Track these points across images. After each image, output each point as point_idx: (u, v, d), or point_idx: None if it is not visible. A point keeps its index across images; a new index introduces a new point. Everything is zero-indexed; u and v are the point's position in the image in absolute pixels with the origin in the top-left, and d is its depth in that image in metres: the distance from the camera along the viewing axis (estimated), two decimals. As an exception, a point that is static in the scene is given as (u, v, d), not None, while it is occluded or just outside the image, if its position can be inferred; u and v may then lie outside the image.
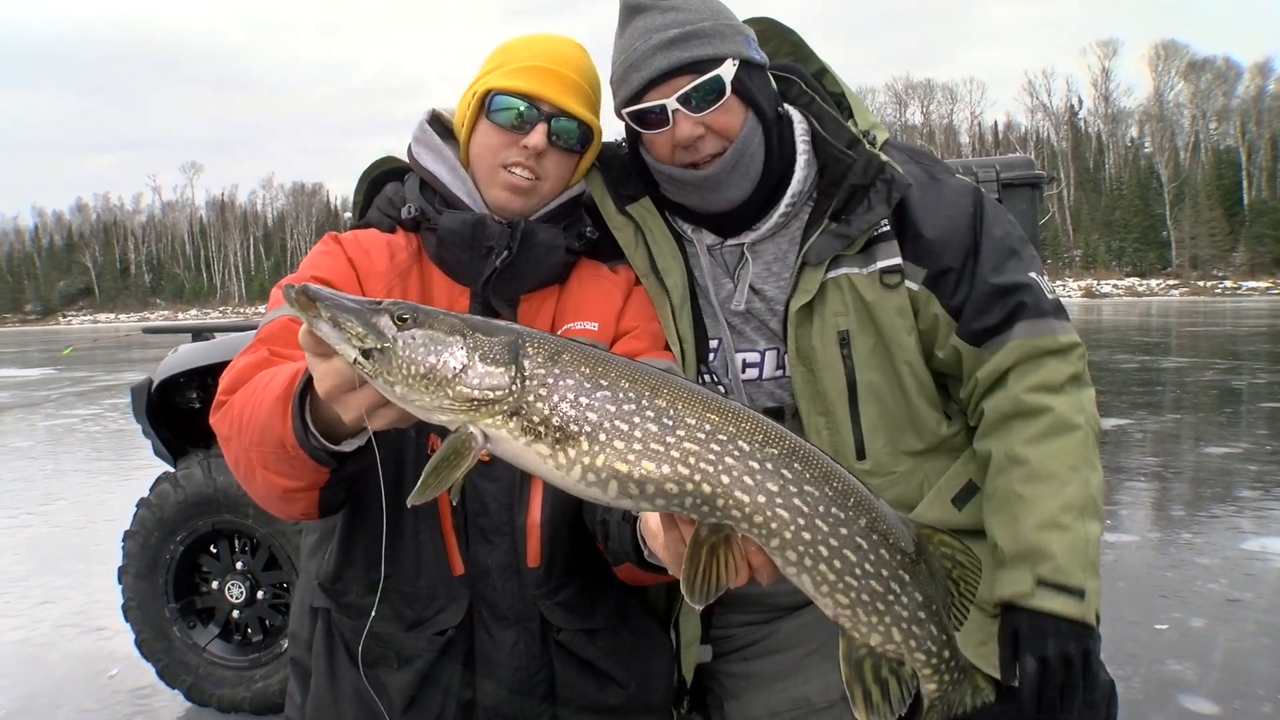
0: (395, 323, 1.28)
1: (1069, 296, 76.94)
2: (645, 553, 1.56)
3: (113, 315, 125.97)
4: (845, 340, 2.04)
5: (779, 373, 2.12)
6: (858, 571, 1.32)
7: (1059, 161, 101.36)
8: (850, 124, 2.12)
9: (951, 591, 1.40)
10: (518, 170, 1.92)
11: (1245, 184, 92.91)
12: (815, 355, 2.05)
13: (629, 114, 2.00)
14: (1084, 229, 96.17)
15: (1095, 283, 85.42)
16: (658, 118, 1.96)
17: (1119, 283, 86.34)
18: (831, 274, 2.03)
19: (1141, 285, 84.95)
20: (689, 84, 1.92)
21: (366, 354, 1.27)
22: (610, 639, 1.96)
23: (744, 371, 2.13)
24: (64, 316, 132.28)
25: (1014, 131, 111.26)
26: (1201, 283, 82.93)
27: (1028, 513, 1.90)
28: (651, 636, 2.07)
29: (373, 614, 1.78)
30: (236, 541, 4.13)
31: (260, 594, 4.10)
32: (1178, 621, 4.92)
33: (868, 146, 2.05)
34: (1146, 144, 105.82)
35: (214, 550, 4.14)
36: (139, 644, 4.11)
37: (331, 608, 1.93)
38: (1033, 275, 2.05)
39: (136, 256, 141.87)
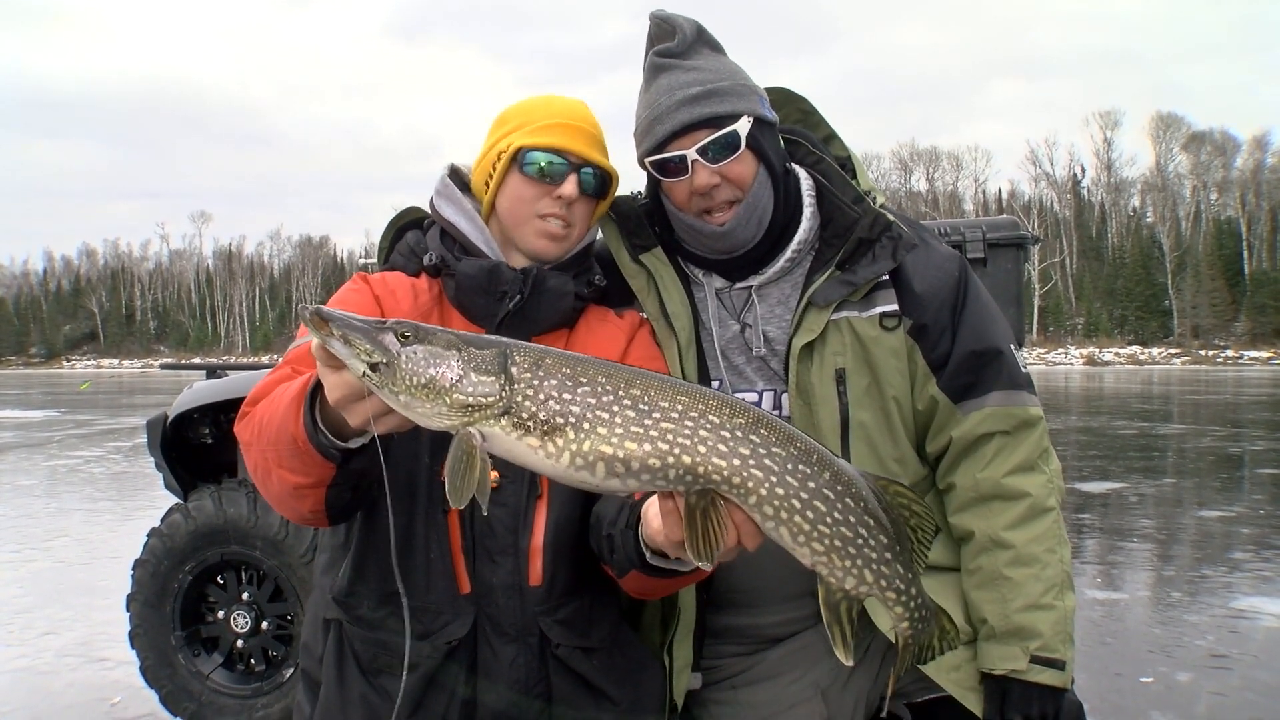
0: (399, 339, 1.43)
1: (1071, 364, 76.98)
2: (648, 554, 1.69)
3: (117, 361, 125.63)
4: (841, 378, 2.16)
5: (775, 411, 2.22)
6: (829, 520, 1.47)
7: (1062, 230, 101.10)
8: (854, 183, 2.27)
9: (911, 539, 1.54)
10: (552, 220, 2.06)
11: (1246, 254, 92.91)
12: (813, 391, 2.16)
13: (651, 163, 2.14)
14: (1086, 297, 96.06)
15: (1097, 350, 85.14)
16: (677, 167, 2.10)
17: (1121, 350, 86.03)
18: (833, 316, 2.16)
19: (1143, 353, 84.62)
20: (708, 137, 2.06)
21: (373, 367, 1.41)
22: (605, 659, 2.04)
23: None
24: (68, 360, 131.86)
25: (1018, 199, 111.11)
26: (1203, 352, 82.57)
27: (1016, 594, 2.10)
28: (645, 661, 2.16)
29: (407, 621, 1.83)
30: (244, 573, 4.21)
31: (264, 625, 4.17)
32: (1164, 675, 4.98)
33: (871, 205, 2.21)
34: (1148, 214, 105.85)
35: (221, 580, 4.23)
36: (143, 671, 4.17)
37: (344, 619, 2.00)
38: (1010, 346, 2.22)
39: (142, 303, 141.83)
